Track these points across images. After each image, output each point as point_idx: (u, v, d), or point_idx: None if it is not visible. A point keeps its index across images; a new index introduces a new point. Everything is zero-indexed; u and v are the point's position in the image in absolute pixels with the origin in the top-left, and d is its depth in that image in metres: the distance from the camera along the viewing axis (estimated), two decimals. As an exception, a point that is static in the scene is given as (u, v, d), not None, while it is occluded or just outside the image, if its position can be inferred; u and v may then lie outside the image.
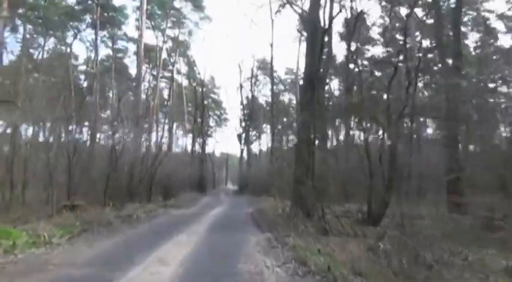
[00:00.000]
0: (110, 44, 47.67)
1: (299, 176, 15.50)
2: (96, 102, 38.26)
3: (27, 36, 44.62)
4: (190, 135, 56.72)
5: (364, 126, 18.06)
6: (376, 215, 14.90)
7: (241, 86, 49.02)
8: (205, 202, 29.86)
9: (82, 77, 51.17)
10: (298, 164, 15.94)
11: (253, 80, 50.11)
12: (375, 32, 38.78)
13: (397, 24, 38.53)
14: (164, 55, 50.28)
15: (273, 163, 41.76)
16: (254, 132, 59.88)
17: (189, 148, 51.80)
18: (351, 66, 32.76)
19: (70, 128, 26.72)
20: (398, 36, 32.30)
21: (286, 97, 58.03)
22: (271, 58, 42.96)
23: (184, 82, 54.82)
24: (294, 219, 14.53)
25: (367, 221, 14.89)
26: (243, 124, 51.29)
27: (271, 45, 42.47)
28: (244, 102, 51.13)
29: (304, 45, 46.34)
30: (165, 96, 55.07)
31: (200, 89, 51.17)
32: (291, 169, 19.12)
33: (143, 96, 48.64)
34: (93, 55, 43.19)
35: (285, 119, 55.65)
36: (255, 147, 60.37)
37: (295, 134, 45.57)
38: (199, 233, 11.88)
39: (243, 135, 50.69)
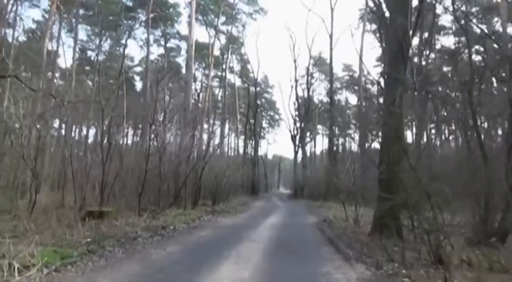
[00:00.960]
0: (162, 42, 45.24)
1: (387, 180, 11.12)
2: (146, 102, 35.45)
3: (84, 38, 43.15)
4: (243, 137, 53.39)
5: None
6: (499, 232, 10.18)
7: (296, 83, 44.75)
8: (258, 208, 25.82)
9: (138, 77, 49.10)
10: (384, 164, 11.56)
11: (309, 78, 45.64)
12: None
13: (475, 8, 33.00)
14: (217, 53, 47.25)
15: (334, 165, 37.14)
16: (308, 134, 55.38)
17: (242, 150, 48.18)
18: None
19: (115, 129, 23.96)
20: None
21: (342, 96, 53.05)
22: (331, 50, 38.32)
23: (237, 81, 51.42)
24: (381, 237, 10.25)
25: (485, 239, 10.21)
26: (298, 124, 46.93)
27: (331, 36, 37.97)
28: (299, 101, 46.68)
29: (367, 36, 41.71)
30: (219, 96, 52.06)
31: (253, 88, 47.52)
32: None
33: (194, 96, 45.84)
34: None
35: (339, 119, 50.92)
36: (308, 150, 55.90)
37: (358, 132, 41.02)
38: (252, 261, 7.77)
39: (298, 135, 46.32)
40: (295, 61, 44.09)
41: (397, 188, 10.99)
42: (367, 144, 28.25)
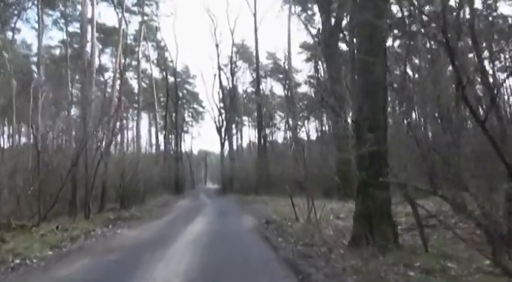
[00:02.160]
0: (63, 26, 37.73)
1: (372, 156, 6.67)
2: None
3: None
4: (165, 131, 47.44)
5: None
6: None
7: (219, 70, 39.82)
8: (181, 208, 20.55)
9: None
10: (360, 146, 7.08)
11: (233, 66, 40.93)
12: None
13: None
14: (131, 40, 40.75)
15: (263, 157, 32.88)
16: (234, 126, 50.73)
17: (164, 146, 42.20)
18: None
19: None
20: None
21: (267, 84, 48.99)
22: (255, 31, 33.78)
23: (155, 71, 45.16)
24: (373, 251, 5.87)
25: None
26: (223, 115, 42.10)
27: (255, 14, 33.55)
28: (223, 90, 41.82)
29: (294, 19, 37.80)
30: (136, 89, 45.47)
31: (173, 78, 41.75)
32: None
33: (105, 87, 39.12)
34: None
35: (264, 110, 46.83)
36: (235, 142, 51.26)
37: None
38: None
39: (223, 127, 41.52)
40: (217, 46, 39.16)
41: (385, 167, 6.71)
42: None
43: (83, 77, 24.57)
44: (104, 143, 17.44)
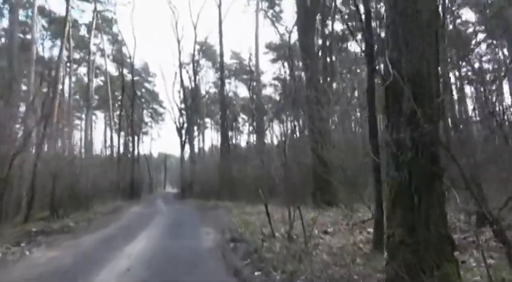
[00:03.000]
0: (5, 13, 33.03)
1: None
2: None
3: None
4: (123, 133, 43.33)
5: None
6: None
7: (180, 68, 36.36)
8: (130, 217, 17.02)
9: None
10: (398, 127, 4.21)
11: (195, 64, 37.60)
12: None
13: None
14: (84, 31, 36.69)
15: (226, 158, 29.78)
16: (196, 128, 47.26)
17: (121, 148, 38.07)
18: None
19: None
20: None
21: (232, 86, 45.97)
22: (220, 24, 30.64)
23: (111, 67, 41.06)
24: None
25: None
26: (184, 116, 38.61)
27: (219, 6, 30.52)
28: (184, 89, 38.38)
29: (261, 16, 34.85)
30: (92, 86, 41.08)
31: (130, 75, 37.85)
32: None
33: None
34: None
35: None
36: (197, 145, 47.74)
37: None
38: None
39: (184, 128, 38.07)
40: (178, 41, 35.72)
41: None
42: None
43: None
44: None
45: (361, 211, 10.69)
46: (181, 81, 36.88)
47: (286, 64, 38.52)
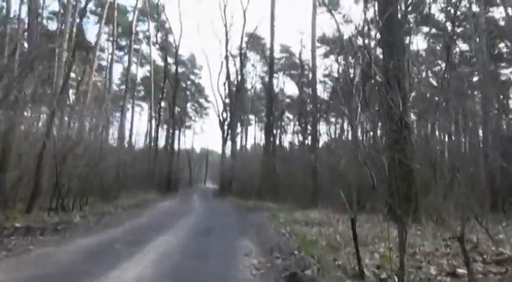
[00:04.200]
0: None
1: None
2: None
3: None
4: (165, 126, 40.85)
5: None
6: None
7: (227, 56, 33.06)
8: (154, 214, 13.56)
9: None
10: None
11: (242, 54, 34.15)
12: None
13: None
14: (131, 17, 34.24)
15: (270, 156, 26.14)
16: (239, 125, 43.95)
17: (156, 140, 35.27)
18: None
19: None
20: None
21: (279, 81, 42.12)
22: (272, 14, 27.03)
23: (157, 57, 38.53)
24: None
25: None
26: (228, 109, 35.33)
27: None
28: (230, 79, 35.07)
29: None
30: (138, 76, 38.89)
31: (174, 66, 35.05)
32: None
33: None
34: None
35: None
36: (239, 142, 44.40)
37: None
38: None
39: (227, 122, 34.77)
40: (226, 28, 32.45)
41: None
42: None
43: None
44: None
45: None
46: (227, 71, 33.61)
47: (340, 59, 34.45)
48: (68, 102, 15.03)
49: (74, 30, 19.94)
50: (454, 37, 21.62)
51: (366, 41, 23.75)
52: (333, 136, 39.34)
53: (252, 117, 50.28)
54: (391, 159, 6.51)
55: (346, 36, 28.98)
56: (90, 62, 20.83)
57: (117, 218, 11.54)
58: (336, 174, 20.19)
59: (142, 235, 8.12)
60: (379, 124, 14.67)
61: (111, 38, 31.20)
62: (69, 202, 12.50)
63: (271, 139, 30.04)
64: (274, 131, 35.00)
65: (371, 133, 21.87)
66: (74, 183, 12.11)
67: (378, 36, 14.31)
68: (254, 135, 53.40)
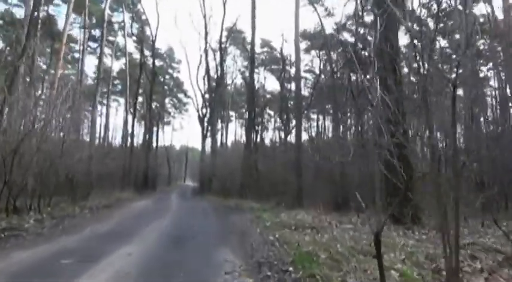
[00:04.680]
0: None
1: None
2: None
3: None
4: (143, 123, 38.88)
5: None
6: None
7: (206, 50, 31.51)
8: (122, 218, 11.80)
9: None
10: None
11: (222, 46, 32.57)
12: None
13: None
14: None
15: (252, 152, 24.78)
16: (219, 121, 42.37)
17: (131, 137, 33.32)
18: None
19: None
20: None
21: (261, 76, 40.78)
22: (253, 7, 25.64)
23: (133, 49, 36.50)
24: None
25: None
26: (207, 104, 33.79)
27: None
28: (209, 73, 33.52)
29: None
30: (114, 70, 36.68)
31: (151, 59, 33.20)
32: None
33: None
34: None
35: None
36: (219, 139, 42.73)
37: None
38: None
39: (207, 117, 33.26)
40: (205, 17, 30.83)
41: None
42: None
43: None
44: None
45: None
46: (207, 65, 32.07)
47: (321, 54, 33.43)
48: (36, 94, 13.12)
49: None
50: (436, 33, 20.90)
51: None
52: (313, 133, 38.62)
53: (232, 113, 48.87)
54: (390, 154, 5.26)
55: (329, 30, 27.93)
56: (57, 52, 18.92)
57: (79, 221, 9.96)
58: (324, 172, 19.17)
59: (101, 245, 6.64)
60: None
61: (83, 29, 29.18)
62: (26, 202, 10.87)
63: (253, 135, 28.71)
64: (256, 127, 33.69)
65: (359, 128, 21.04)
66: (29, 180, 10.44)
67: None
68: (235, 131, 51.87)
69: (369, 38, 17.71)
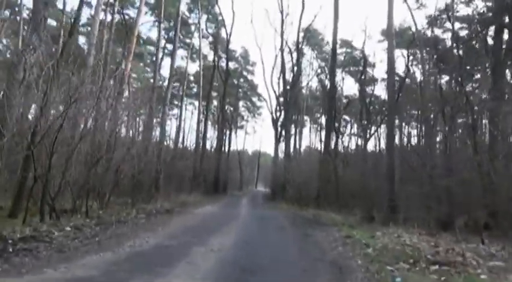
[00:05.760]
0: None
1: None
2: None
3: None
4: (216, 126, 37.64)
5: None
6: None
7: (282, 50, 29.07)
8: (176, 229, 9.46)
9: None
10: None
11: (299, 46, 29.92)
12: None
13: None
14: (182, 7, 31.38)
15: (331, 159, 21.57)
16: (293, 126, 39.61)
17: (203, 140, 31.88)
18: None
19: None
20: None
21: (338, 78, 37.15)
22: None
23: (206, 50, 35.34)
24: None
25: None
26: (282, 107, 31.33)
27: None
28: (285, 72, 30.97)
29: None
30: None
31: (225, 61, 31.67)
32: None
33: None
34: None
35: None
36: (293, 144, 39.89)
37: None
38: None
39: (280, 120, 30.78)
40: (282, 13, 28.49)
41: None
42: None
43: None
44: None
45: None
46: (283, 63, 29.60)
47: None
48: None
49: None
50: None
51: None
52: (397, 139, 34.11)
53: (306, 118, 45.83)
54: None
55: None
56: (128, 47, 17.75)
57: (126, 231, 7.89)
58: (419, 181, 15.48)
59: (128, 274, 4.29)
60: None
61: (163, 32, 28.50)
62: (75, 203, 9.19)
63: (332, 139, 25.47)
64: (336, 131, 30.35)
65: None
66: (74, 179, 8.70)
67: None
68: (309, 137, 48.60)
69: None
